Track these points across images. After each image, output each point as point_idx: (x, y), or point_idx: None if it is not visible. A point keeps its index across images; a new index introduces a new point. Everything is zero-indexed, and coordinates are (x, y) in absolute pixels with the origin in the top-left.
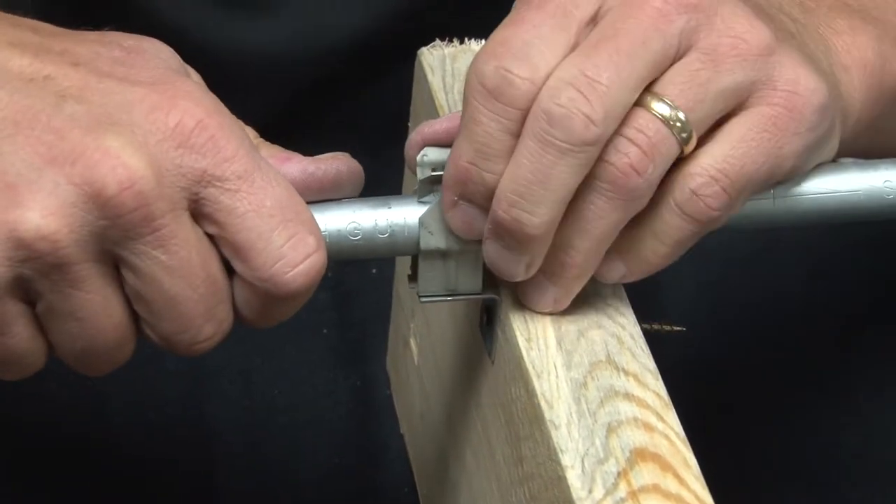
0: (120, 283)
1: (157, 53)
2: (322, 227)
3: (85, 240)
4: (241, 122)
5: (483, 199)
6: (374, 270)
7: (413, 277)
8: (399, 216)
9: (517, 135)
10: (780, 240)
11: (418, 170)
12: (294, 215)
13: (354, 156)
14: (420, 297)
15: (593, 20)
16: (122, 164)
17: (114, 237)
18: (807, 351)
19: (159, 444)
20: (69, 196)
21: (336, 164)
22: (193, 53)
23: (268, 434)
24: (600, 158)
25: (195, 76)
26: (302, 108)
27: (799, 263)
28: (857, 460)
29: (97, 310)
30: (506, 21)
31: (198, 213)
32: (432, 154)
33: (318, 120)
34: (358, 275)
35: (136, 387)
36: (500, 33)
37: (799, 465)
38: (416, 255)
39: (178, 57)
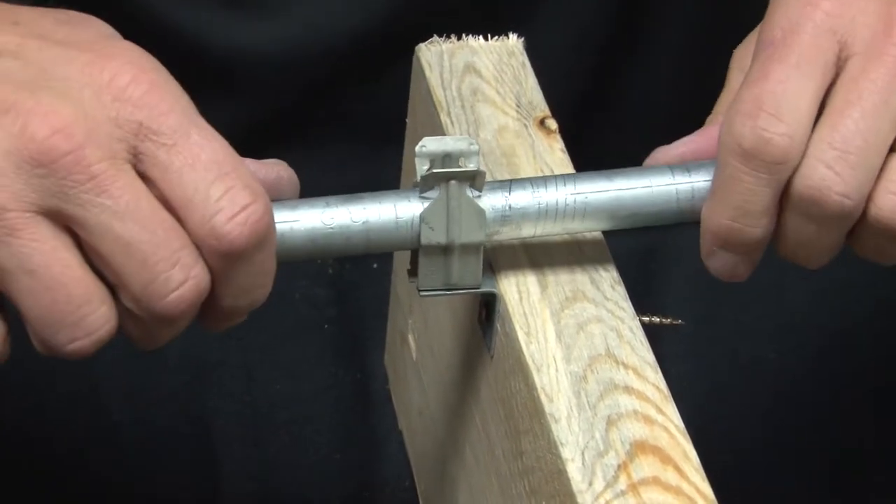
0: (77, 244)
1: (96, 23)
2: (326, 221)
3: (20, 188)
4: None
5: (746, 250)
6: (374, 265)
7: (413, 272)
8: (400, 211)
9: (779, 188)
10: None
11: (417, 161)
12: (231, 169)
13: (353, 155)
14: (420, 291)
15: (837, 61)
16: (53, 111)
17: (53, 188)
18: (809, 343)
19: (160, 439)
20: (1, 145)
21: (278, 169)
22: (191, 54)
23: (268, 429)
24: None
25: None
26: (300, 109)
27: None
28: (866, 457)
29: (47, 260)
30: (751, 77)
31: (139, 169)
32: (431, 145)
33: (316, 120)
34: (358, 270)
35: (137, 381)
36: (748, 91)
37: (798, 455)
38: (417, 250)
39: (115, 31)
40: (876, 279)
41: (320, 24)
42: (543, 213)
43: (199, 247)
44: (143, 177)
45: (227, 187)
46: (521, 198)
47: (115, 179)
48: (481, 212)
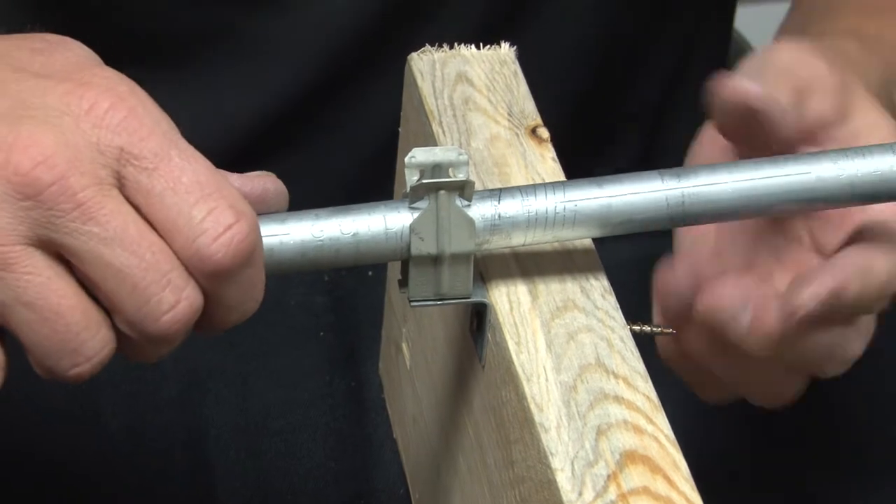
0: (70, 272)
1: (74, 47)
2: (316, 234)
3: (9, 222)
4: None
5: None
6: (370, 273)
7: (403, 283)
8: (390, 222)
9: None
10: None
11: (406, 172)
12: (213, 189)
13: (349, 164)
14: (411, 301)
15: None
16: (34, 142)
17: (42, 220)
18: None
19: (155, 447)
20: None
21: (263, 181)
22: (182, 55)
23: (263, 437)
24: None
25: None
26: (291, 118)
27: None
28: (852, 462)
29: (43, 292)
30: None
31: (124, 193)
32: (420, 155)
33: (312, 128)
34: (354, 278)
35: (132, 390)
36: None
37: (789, 467)
38: (407, 260)
39: (94, 54)
40: None
41: (314, 31)
42: (533, 222)
43: (188, 267)
44: (129, 200)
45: (209, 208)
46: (511, 206)
47: (102, 206)
48: (471, 222)
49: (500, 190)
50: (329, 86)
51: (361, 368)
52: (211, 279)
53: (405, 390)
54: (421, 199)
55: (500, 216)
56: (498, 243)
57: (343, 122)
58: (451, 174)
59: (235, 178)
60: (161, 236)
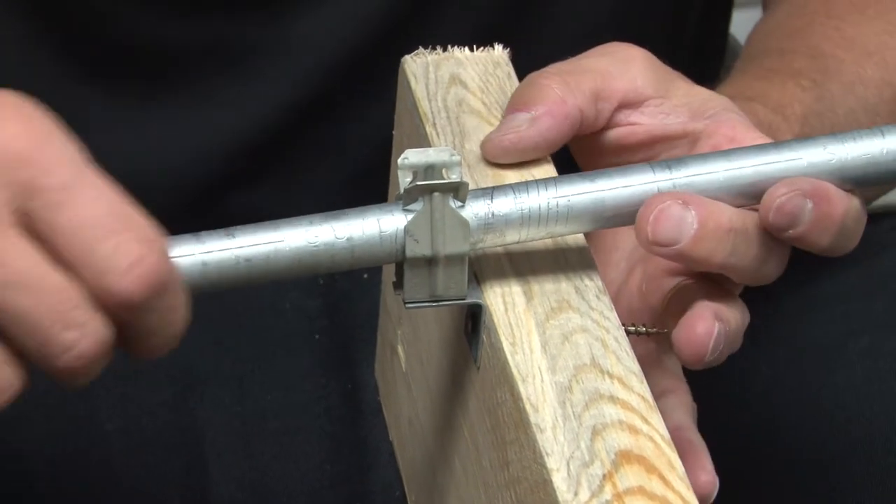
0: None
1: None
2: (310, 240)
3: None
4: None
5: None
6: (365, 276)
7: (398, 285)
8: (384, 225)
9: None
10: None
11: (399, 174)
12: (120, 223)
13: (345, 176)
14: (406, 303)
15: None
16: None
17: None
18: (801, 357)
19: (151, 450)
20: None
21: None
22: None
23: (259, 439)
24: None
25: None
26: (289, 132)
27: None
28: (845, 463)
29: None
30: None
31: (29, 230)
32: (413, 157)
33: (305, 143)
34: (349, 281)
35: (128, 391)
36: None
37: (786, 467)
38: (402, 262)
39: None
40: (874, 290)
41: (312, 45)
42: (527, 219)
43: (100, 301)
44: (36, 235)
45: (116, 243)
46: (504, 205)
47: (3, 251)
48: (465, 223)
49: (493, 188)
50: (328, 98)
51: (357, 371)
52: (124, 311)
53: (401, 392)
54: (415, 200)
55: (493, 214)
56: (492, 242)
57: (342, 134)
58: (444, 175)
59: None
60: (69, 270)
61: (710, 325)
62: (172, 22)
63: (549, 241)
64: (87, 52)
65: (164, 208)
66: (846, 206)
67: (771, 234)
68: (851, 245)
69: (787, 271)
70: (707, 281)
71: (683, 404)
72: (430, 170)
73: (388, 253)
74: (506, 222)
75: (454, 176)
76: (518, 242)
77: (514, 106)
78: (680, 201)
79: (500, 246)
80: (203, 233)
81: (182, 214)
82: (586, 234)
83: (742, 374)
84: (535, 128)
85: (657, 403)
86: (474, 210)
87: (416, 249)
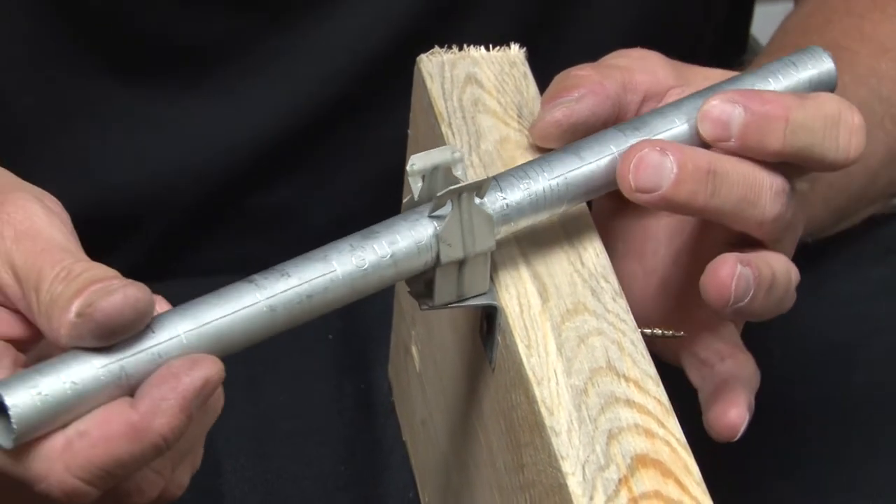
0: None
1: None
2: (358, 264)
3: None
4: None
5: None
6: None
7: (426, 293)
8: (418, 236)
9: None
10: None
11: (410, 180)
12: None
13: (368, 177)
14: (421, 305)
15: None
16: None
17: None
18: (816, 360)
19: None
20: None
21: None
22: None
23: (272, 440)
24: None
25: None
26: (310, 132)
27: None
28: (864, 467)
29: None
30: None
31: None
32: (419, 162)
33: (326, 143)
34: None
35: None
36: None
37: (801, 468)
38: (434, 269)
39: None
40: (887, 292)
41: (342, 42)
42: (535, 204)
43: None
44: None
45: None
46: (515, 194)
47: None
48: (490, 218)
49: (496, 178)
50: (353, 98)
51: (370, 371)
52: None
53: (414, 393)
54: (442, 205)
55: (507, 205)
56: (506, 232)
57: (365, 134)
58: (452, 174)
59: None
60: None
61: (731, 268)
62: (202, 20)
63: (565, 244)
64: (115, 49)
65: (188, 205)
66: (785, 105)
67: (755, 172)
68: (822, 150)
69: (807, 272)
70: (739, 245)
71: (740, 366)
72: (436, 171)
73: (425, 262)
74: (519, 211)
75: (458, 172)
76: (525, 228)
77: (554, 94)
78: (658, 148)
79: (511, 234)
80: (254, 277)
81: (206, 211)
82: (614, 232)
83: (762, 370)
84: (583, 103)
85: (713, 368)
86: (492, 204)
87: (450, 254)
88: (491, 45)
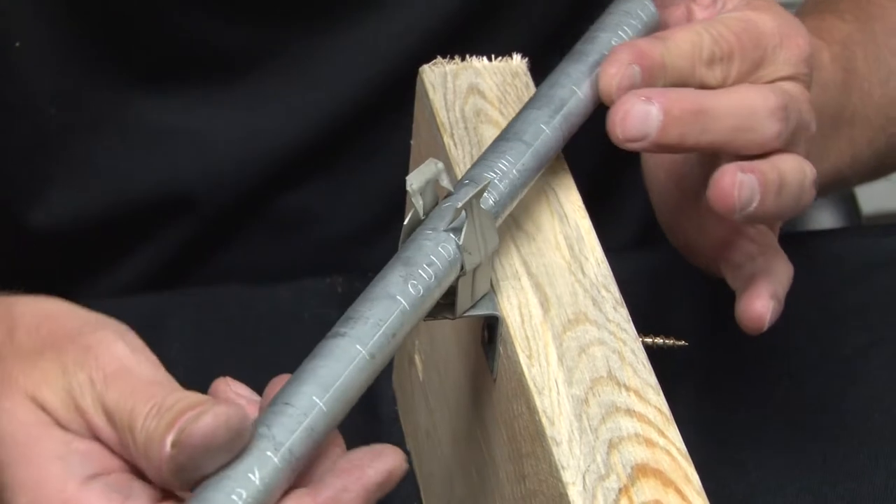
0: None
1: (66, 313)
2: (415, 292)
3: None
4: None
5: None
6: None
7: (447, 306)
8: (447, 252)
9: None
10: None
11: (413, 200)
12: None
13: (392, 183)
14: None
15: None
16: None
17: None
18: (818, 366)
19: None
20: None
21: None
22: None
23: None
24: None
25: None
26: (337, 137)
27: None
28: (866, 469)
29: None
30: None
31: None
32: (416, 180)
33: (351, 149)
34: None
35: None
36: None
37: (804, 474)
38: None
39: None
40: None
41: (369, 49)
42: (517, 183)
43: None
44: None
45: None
46: (496, 187)
47: None
48: (491, 216)
49: (471, 171)
50: (378, 106)
51: (375, 381)
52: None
53: (418, 403)
54: (458, 217)
55: (496, 200)
56: (500, 220)
57: (389, 141)
58: (442, 184)
59: None
60: None
61: (732, 176)
62: (228, 29)
63: (566, 253)
64: (142, 56)
65: (214, 209)
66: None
67: (745, 98)
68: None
69: (808, 284)
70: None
71: (769, 262)
72: (428, 185)
73: (455, 275)
74: (510, 196)
75: (445, 182)
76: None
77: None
78: (643, 98)
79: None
80: (338, 330)
81: (231, 215)
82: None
83: (764, 382)
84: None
85: (744, 269)
86: (484, 203)
87: (472, 261)
88: (493, 56)
